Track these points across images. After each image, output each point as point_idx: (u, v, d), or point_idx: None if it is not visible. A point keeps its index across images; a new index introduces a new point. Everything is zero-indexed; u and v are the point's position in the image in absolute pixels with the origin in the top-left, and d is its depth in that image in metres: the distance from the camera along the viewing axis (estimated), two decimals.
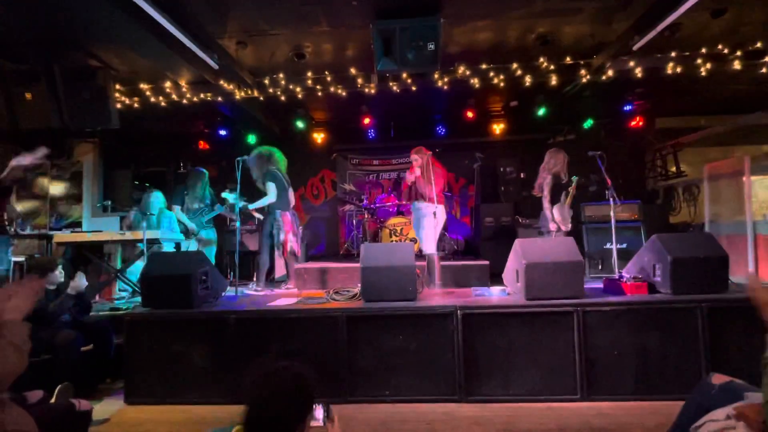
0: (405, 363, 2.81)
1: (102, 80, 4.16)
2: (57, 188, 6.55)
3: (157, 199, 4.64)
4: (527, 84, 4.80)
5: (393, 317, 2.86)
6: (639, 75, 4.58)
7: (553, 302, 2.80)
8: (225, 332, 2.90)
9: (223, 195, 4.50)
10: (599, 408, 2.62)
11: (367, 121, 6.49)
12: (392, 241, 5.31)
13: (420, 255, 4.06)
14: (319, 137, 6.95)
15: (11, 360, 1.12)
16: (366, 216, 6.00)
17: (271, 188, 4.20)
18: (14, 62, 4.11)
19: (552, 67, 4.62)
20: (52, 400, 2.08)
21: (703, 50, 4.38)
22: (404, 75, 4.70)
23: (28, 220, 6.09)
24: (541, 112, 5.85)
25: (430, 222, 4.12)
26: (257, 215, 4.58)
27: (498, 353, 2.78)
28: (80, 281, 3.01)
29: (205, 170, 4.94)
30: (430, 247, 4.10)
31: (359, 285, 3.18)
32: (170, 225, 4.64)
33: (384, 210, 6.04)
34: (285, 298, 3.52)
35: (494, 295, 3.21)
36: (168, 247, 4.56)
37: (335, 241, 7.32)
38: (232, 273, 4.99)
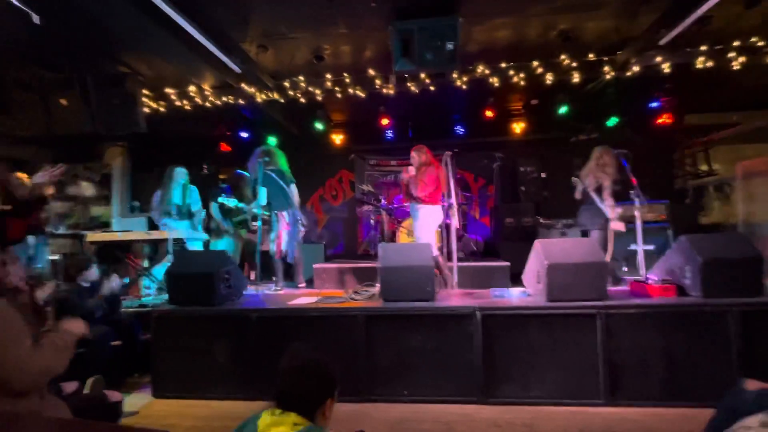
0: (423, 363, 2.81)
1: (130, 86, 4.34)
2: (88, 190, 6.85)
3: (179, 173, 4.62)
4: (548, 82, 4.71)
5: (411, 317, 2.86)
6: (666, 70, 4.43)
7: (575, 304, 2.74)
8: (246, 330, 2.97)
9: (220, 200, 4.56)
10: (624, 413, 2.55)
11: (385, 121, 6.51)
12: (410, 241, 5.30)
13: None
14: (337, 138, 7.02)
15: (64, 361, 1.20)
16: (384, 216, 6.02)
17: (261, 192, 4.19)
18: (51, 71, 4.33)
19: (574, 64, 4.52)
20: (86, 391, 2.19)
21: (736, 43, 4.19)
22: (422, 75, 4.70)
23: (62, 220, 6.39)
24: (563, 110, 5.73)
25: (421, 223, 4.08)
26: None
27: (518, 355, 2.74)
28: (114, 283, 3.20)
29: (246, 173, 5.05)
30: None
31: (378, 285, 3.20)
32: (197, 197, 4.72)
33: (402, 210, 6.03)
34: (305, 297, 3.57)
35: (514, 296, 3.17)
36: (197, 246, 4.66)
37: (353, 242, 7.36)
38: (254, 272, 5.09)
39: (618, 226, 3.99)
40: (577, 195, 4.28)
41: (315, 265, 4.92)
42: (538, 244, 3.06)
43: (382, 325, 2.88)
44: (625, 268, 4.98)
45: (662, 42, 3.88)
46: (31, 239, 4.50)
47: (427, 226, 4.08)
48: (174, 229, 4.32)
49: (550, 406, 2.66)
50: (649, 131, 6.33)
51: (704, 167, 6.06)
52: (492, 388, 2.73)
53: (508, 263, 4.61)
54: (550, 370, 2.70)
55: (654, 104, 5.89)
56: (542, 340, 2.73)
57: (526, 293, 3.19)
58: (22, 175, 4.41)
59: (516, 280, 3.99)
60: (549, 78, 4.66)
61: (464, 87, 4.82)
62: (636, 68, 4.46)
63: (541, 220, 5.73)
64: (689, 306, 2.69)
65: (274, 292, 4.16)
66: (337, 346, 2.88)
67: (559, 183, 6.67)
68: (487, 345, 2.75)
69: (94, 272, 3.21)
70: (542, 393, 2.69)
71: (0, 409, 1.07)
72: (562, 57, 4.47)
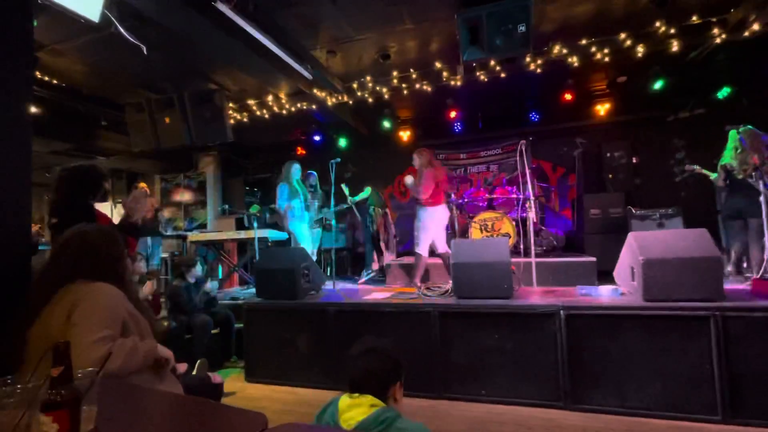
0: (502, 363, 2.69)
1: (219, 101, 4.81)
2: (188, 196, 7.79)
3: (296, 170, 4.95)
4: (639, 55, 4.19)
5: (487, 315, 2.76)
6: None
7: (681, 305, 2.40)
8: (325, 323, 3.12)
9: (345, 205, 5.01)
10: None
11: (453, 114, 6.36)
12: (483, 236, 5.11)
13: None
14: (405, 135, 7.04)
15: (125, 365, 1.23)
16: (454, 211, 5.89)
17: (367, 189, 4.97)
18: (156, 93, 4.99)
19: (672, 30, 3.95)
20: (193, 372, 2.49)
21: None
22: (492, 63, 4.49)
23: (170, 223, 7.36)
24: (658, 85, 5.06)
25: (422, 225, 4.08)
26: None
27: (610, 359, 2.49)
28: (213, 284, 3.76)
29: (315, 172, 5.35)
30: (418, 247, 4.04)
31: (450, 281, 3.14)
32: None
33: (473, 205, 5.86)
34: (379, 292, 3.64)
35: (604, 294, 2.88)
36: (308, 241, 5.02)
37: None
38: (329, 268, 5.36)
39: None
40: (720, 182, 3.85)
41: (385, 262, 5.01)
42: (631, 237, 2.75)
43: (456, 322, 2.82)
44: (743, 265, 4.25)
45: None
46: (148, 240, 5.23)
47: (427, 228, 4.05)
48: (301, 219, 4.76)
49: (648, 418, 2.38)
50: None
51: None
52: (579, 394, 2.52)
53: (593, 258, 4.22)
54: (650, 377, 2.41)
55: None
56: (639, 344, 2.44)
57: (618, 291, 2.88)
58: (143, 185, 5.14)
59: (603, 277, 3.64)
60: (640, 50, 4.14)
61: (538, 70, 4.50)
62: (756, 27, 3.75)
63: (634, 211, 5.14)
64: None
65: (367, 276, 4.56)
66: (411, 341, 2.89)
67: (654, 168, 5.93)
68: (573, 347, 2.55)
69: (199, 269, 3.65)
70: (640, 403, 2.42)
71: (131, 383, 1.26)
72: (657, 24, 3.93)
